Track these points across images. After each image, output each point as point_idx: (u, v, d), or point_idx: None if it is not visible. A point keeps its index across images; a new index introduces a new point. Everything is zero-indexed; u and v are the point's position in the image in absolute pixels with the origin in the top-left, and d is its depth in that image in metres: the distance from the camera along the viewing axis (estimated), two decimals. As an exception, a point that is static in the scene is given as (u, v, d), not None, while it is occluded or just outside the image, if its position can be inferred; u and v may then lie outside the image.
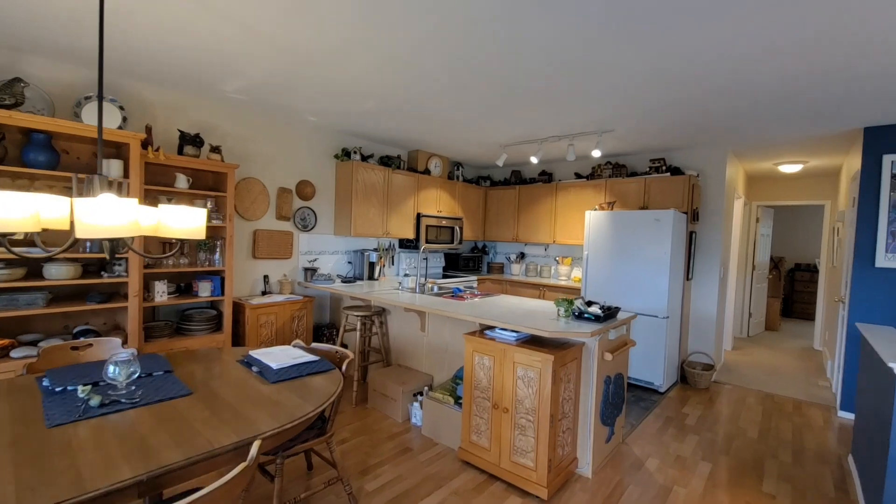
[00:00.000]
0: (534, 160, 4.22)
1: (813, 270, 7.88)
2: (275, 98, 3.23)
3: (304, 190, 4.02)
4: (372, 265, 4.38)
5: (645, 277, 3.89)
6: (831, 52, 2.15)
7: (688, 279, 4.22)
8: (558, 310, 2.63)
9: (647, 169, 4.48)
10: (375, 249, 4.63)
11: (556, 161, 5.36)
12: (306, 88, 2.98)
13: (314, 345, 2.32)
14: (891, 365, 1.72)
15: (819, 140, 3.84)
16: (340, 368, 2.06)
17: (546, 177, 5.33)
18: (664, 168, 4.37)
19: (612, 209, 4.26)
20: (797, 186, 5.92)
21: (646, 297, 3.89)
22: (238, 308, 3.38)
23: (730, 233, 4.78)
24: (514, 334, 2.43)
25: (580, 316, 2.56)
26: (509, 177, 5.75)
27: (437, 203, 5.08)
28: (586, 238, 4.30)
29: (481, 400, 2.47)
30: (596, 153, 3.83)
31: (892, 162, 3.24)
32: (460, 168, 5.55)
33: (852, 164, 4.04)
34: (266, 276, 3.74)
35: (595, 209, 4.29)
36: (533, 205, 5.32)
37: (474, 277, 5.13)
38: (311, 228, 4.11)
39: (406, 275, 4.03)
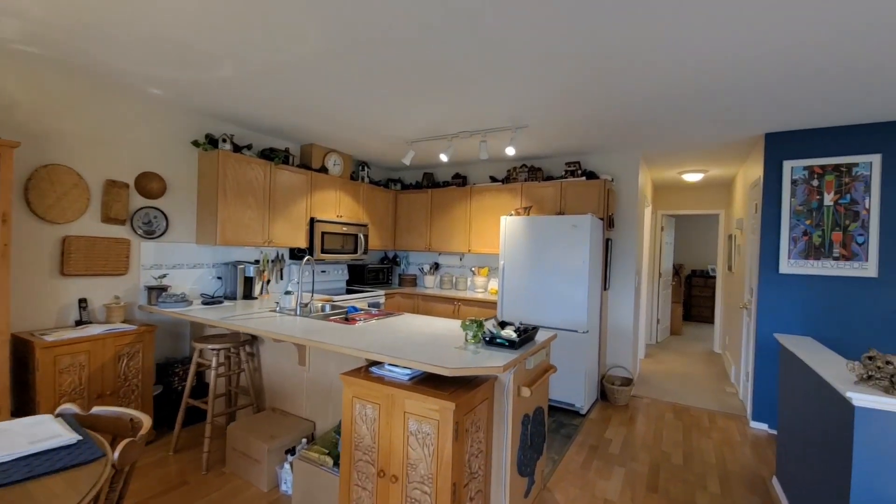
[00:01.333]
0: (444, 158, 3.73)
1: (707, 276, 8.45)
2: (81, 53, 2.33)
3: (149, 185, 3.08)
4: (249, 281, 3.54)
5: (563, 289, 3.56)
6: (737, 60, 2.01)
7: (605, 289, 4.00)
8: (466, 334, 2.10)
9: (563, 173, 4.22)
10: (257, 262, 3.78)
11: (471, 163, 4.96)
12: (121, 36, 2.15)
13: (98, 410, 1.50)
14: (849, 395, 1.41)
15: (723, 146, 3.85)
16: (134, 439, 1.28)
17: (460, 180, 4.90)
18: (580, 172, 4.14)
19: (528, 214, 3.91)
20: (695, 196, 6.19)
21: (564, 311, 3.55)
22: (22, 347, 2.37)
23: (642, 240, 4.71)
24: (408, 371, 1.84)
25: (492, 342, 2.05)
26: (421, 179, 5.23)
27: (337, 206, 4.37)
28: (502, 246, 3.89)
29: (364, 464, 1.83)
30: (510, 151, 3.44)
31: (792, 168, 3.26)
32: (366, 168, 4.90)
33: (748, 172, 4.14)
34: (83, 301, 2.74)
35: (511, 214, 3.91)
36: (446, 210, 4.84)
37: (382, 292, 4.49)
38: (160, 235, 3.16)
39: (287, 292, 3.26)
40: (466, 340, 2.09)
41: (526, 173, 4.41)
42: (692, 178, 5.02)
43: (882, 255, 3.00)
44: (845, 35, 1.91)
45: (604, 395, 3.93)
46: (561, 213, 4.07)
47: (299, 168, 3.93)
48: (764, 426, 3.36)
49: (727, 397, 4.08)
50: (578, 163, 4.16)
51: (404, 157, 3.88)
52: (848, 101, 2.69)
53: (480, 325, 2.06)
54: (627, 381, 3.99)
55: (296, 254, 4.13)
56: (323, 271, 4.49)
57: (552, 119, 3.21)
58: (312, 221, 4.03)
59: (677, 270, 8.25)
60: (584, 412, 3.51)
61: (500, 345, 2.03)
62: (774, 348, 3.31)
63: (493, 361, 1.78)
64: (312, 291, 3.08)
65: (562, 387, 3.56)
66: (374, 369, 1.93)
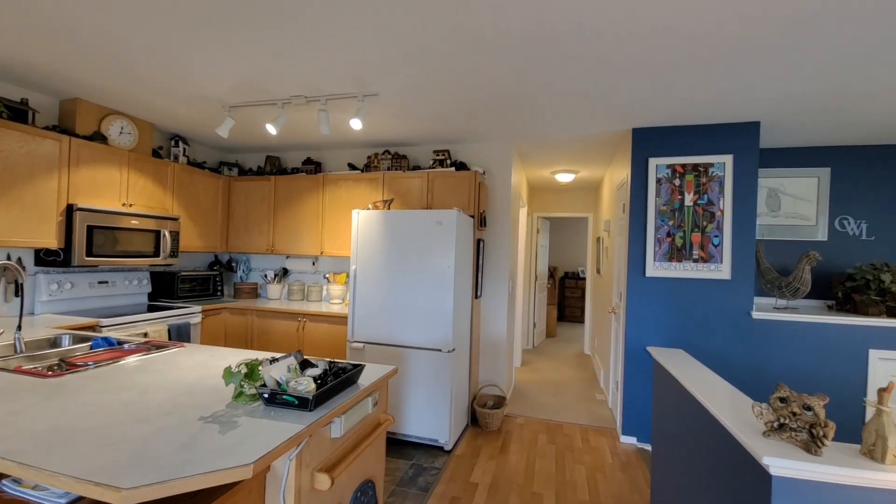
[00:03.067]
0: (272, 130, 2.83)
1: (579, 278, 8.81)
2: None
3: None
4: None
5: (426, 299, 2.93)
6: (610, 26, 1.50)
7: (476, 297, 3.49)
8: (235, 391, 1.27)
9: (432, 163, 3.63)
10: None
11: (325, 148, 4.10)
12: None
13: None
14: (766, 462, 0.96)
15: (592, 144, 3.64)
16: None
17: (312, 166, 4.00)
18: (448, 162, 3.59)
19: (388, 209, 3.22)
20: (567, 199, 6.21)
21: (427, 326, 2.92)
22: None
23: (517, 242, 4.38)
24: (61, 498, 0.95)
25: (274, 400, 1.26)
26: (264, 164, 4.19)
27: (124, 191, 3.13)
28: (354, 247, 3.12)
29: None
30: (356, 124, 2.69)
31: (657, 166, 3.11)
32: (181, 144, 3.70)
33: (615, 174, 4.05)
34: None
35: (368, 208, 3.17)
36: (294, 203, 3.90)
37: (198, 308, 3.36)
38: None
39: None
40: (235, 400, 1.27)
41: (389, 161, 3.72)
42: (564, 178, 4.88)
43: (734, 257, 2.98)
44: (710, 23, 1.58)
45: (475, 419, 3.41)
46: (428, 208, 3.47)
47: (46, 130, 2.64)
48: (632, 440, 3.15)
49: (597, 406, 3.90)
50: (447, 151, 3.60)
51: (220, 126, 2.88)
52: (707, 100, 2.55)
53: (252, 373, 1.26)
54: (500, 401, 3.53)
55: (46, 257, 2.81)
56: (103, 282, 3.19)
57: (406, 89, 2.55)
58: (71, 210, 2.76)
59: (552, 273, 8.42)
60: (449, 447, 2.91)
61: (288, 404, 1.25)
62: (643, 356, 3.12)
63: (251, 446, 1.00)
64: (19, 316, 1.92)
65: (423, 419, 2.92)
66: (6, 484, 1.00)
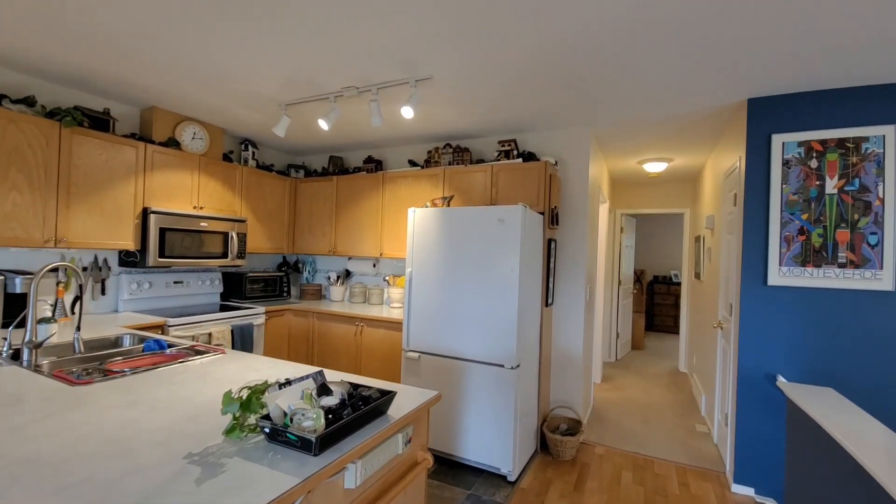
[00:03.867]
0: (324, 126, 2.69)
1: (671, 283, 7.79)
2: None
3: None
4: (17, 299, 2.36)
5: (487, 307, 2.59)
6: None
7: (547, 304, 3.06)
8: (229, 425, 1.06)
9: (497, 154, 3.28)
10: (26, 274, 2.60)
11: (387, 145, 3.94)
12: None
13: None
14: None
15: (690, 124, 3.01)
16: None
17: (372, 164, 3.87)
18: (515, 153, 3.21)
19: (447, 206, 2.94)
20: (658, 193, 5.43)
21: (489, 337, 2.58)
22: None
23: (596, 242, 3.84)
24: None
25: (275, 437, 1.02)
26: (327, 165, 4.16)
27: (195, 195, 3.23)
28: (409, 249, 2.89)
29: None
30: (407, 112, 2.44)
31: (784, 144, 2.43)
32: (250, 148, 3.79)
33: (720, 160, 3.34)
34: None
35: (426, 206, 2.92)
36: (355, 203, 3.80)
37: (262, 309, 3.38)
38: None
39: (44, 319, 2.07)
40: (227, 436, 1.05)
41: (450, 155, 3.44)
42: (655, 168, 4.21)
43: (904, 262, 2.20)
44: None
45: (544, 444, 2.99)
46: (492, 204, 3.12)
47: (124, 138, 2.78)
48: (748, 491, 2.50)
49: (698, 440, 3.23)
50: (514, 141, 3.22)
51: (277, 125, 2.82)
52: (863, 44, 1.87)
53: (249, 403, 1.03)
54: (575, 426, 3.06)
55: (127, 259, 2.97)
56: (178, 282, 3.33)
57: (462, 66, 2.24)
58: (146, 213, 2.89)
59: (639, 277, 7.54)
60: (513, 478, 2.53)
61: (291, 444, 1.01)
62: (763, 386, 2.46)
63: (252, 490, 0.76)
64: (78, 317, 1.94)
65: (483, 443, 2.58)
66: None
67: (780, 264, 2.42)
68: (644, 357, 5.90)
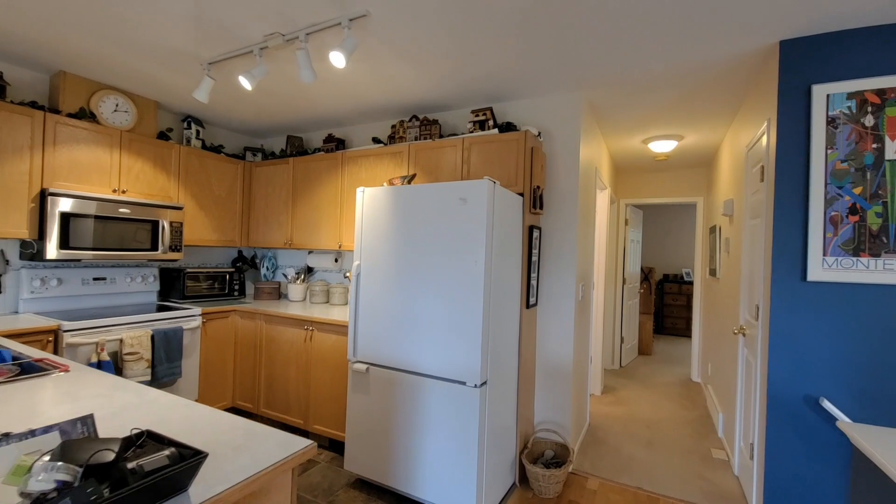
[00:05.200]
0: (246, 84, 2.19)
1: (682, 282, 7.17)
2: None
3: None
4: None
5: (446, 309, 2.07)
6: None
7: (528, 306, 2.52)
8: None
9: (470, 126, 2.75)
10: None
11: (350, 123, 3.43)
12: None
13: None
14: None
15: (705, 80, 2.45)
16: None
17: (334, 144, 3.36)
18: (492, 123, 2.68)
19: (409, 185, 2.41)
20: (667, 180, 4.85)
21: (447, 347, 2.06)
22: None
23: (592, 233, 3.29)
24: None
25: None
26: (285, 146, 3.66)
27: (116, 176, 2.76)
28: (357, 238, 2.38)
29: None
30: (337, 60, 1.92)
31: (830, 97, 1.87)
32: (194, 126, 3.31)
33: (741, 132, 2.77)
34: None
35: (384, 186, 2.40)
36: (313, 188, 3.30)
37: (197, 311, 2.89)
38: None
39: None
40: None
41: (417, 129, 2.91)
42: (662, 147, 3.64)
43: None
44: None
45: (524, 477, 2.45)
46: (462, 186, 2.59)
47: (13, 105, 2.31)
48: (783, 547, 1.93)
49: (716, 470, 2.66)
50: (489, 110, 2.69)
51: (198, 88, 2.33)
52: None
53: None
54: (564, 452, 2.52)
55: (25, 251, 2.51)
56: (99, 279, 2.86)
57: (415, 11, 1.72)
58: (44, 195, 2.41)
59: (647, 275, 6.95)
60: (478, 525, 2.00)
61: None
62: (800, 412, 1.89)
63: None
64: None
65: (443, 477, 2.05)
66: None
67: (825, 254, 1.85)
68: (652, 364, 5.31)
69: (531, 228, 2.51)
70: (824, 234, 1.85)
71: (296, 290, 3.52)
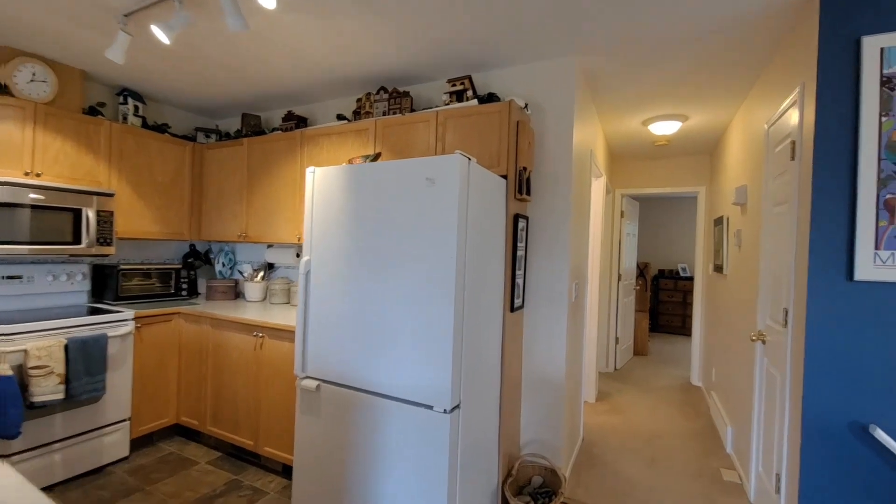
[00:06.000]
0: (161, 36, 1.78)
1: (678, 278, 6.86)
2: None
3: None
4: None
5: (409, 316, 1.68)
6: None
7: (512, 309, 2.14)
8: None
9: (446, 99, 2.34)
10: None
11: (314, 100, 3.01)
12: None
13: None
14: None
15: (714, 48, 2.08)
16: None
17: (294, 122, 2.94)
18: (471, 93, 2.28)
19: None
20: (666, 169, 4.49)
21: (411, 364, 1.67)
22: None
23: (587, 225, 2.92)
24: None
25: None
26: (241, 126, 3.23)
27: (29, 156, 2.32)
28: (307, 228, 1.98)
29: None
30: (268, 1, 1.52)
31: (884, 51, 1.50)
32: (132, 101, 2.87)
33: (758, 109, 2.41)
34: None
35: (340, 166, 2.00)
36: (270, 173, 2.88)
37: (130, 314, 2.48)
38: None
39: None
40: None
41: (385, 103, 2.51)
42: (664, 129, 3.27)
43: None
44: None
45: (509, 508, 2.08)
46: (435, 168, 2.20)
47: None
48: None
49: (728, 496, 2.32)
50: (469, 79, 2.29)
51: (111, 47, 1.91)
52: None
53: None
54: (554, 480, 2.15)
55: None
56: (13, 277, 2.43)
57: None
58: (-78, 177, 1.98)
59: (642, 271, 6.61)
60: (449, 580, 1.63)
61: None
62: (845, 442, 1.54)
63: None
64: None
65: (407, 522, 1.68)
66: None
67: (877, 247, 1.49)
68: (649, 365, 4.98)
69: (517, 217, 2.12)
70: (877, 221, 1.49)
71: (253, 288, 3.11)
